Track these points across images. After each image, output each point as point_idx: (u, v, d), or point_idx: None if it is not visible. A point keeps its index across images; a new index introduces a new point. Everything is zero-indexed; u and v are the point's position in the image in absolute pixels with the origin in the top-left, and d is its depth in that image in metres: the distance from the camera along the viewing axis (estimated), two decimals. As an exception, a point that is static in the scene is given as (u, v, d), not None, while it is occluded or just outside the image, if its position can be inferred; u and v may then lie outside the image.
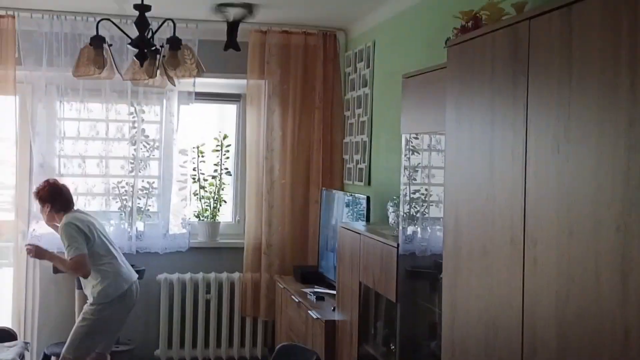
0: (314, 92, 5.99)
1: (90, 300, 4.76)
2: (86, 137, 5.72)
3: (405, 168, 3.82)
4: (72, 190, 5.23)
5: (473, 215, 2.68)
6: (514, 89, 2.34)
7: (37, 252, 4.93)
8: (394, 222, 4.23)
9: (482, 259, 2.59)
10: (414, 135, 3.77)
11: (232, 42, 5.46)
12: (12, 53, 5.47)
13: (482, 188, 2.59)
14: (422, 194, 3.80)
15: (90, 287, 4.75)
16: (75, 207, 4.99)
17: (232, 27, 5.43)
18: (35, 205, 5.14)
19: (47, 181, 4.99)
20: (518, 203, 2.33)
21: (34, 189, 5.07)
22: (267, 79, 5.93)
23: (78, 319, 4.81)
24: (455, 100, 2.84)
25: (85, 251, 4.64)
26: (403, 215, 3.78)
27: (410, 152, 3.82)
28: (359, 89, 5.66)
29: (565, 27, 2.06)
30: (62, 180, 5.19)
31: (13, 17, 5.45)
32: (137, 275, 4.99)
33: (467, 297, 2.72)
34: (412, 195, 3.82)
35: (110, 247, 4.88)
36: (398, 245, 3.62)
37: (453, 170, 2.88)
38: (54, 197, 4.87)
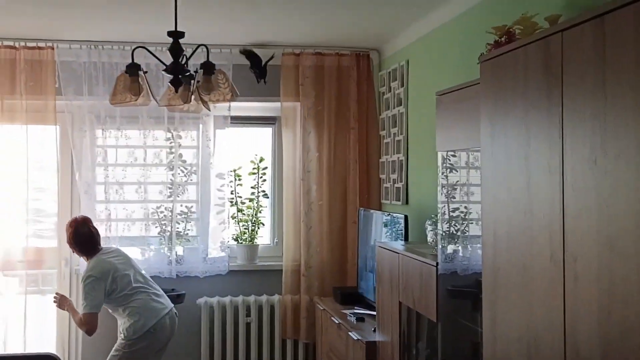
0: (348, 112, 5.99)
1: (120, 335, 4.84)
2: (125, 164, 5.79)
3: (442, 186, 3.79)
4: (112, 216, 5.32)
5: (511, 231, 2.64)
6: (548, 103, 2.32)
7: (60, 302, 5.13)
8: (433, 241, 4.19)
9: (522, 276, 2.55)
10: (451, 153, 3.74)
11: (261, 75, 5.64)
12: (52, 83, 5.58)
13: (519, 204, 2.56)
14: (461, 212, 3.77)
15: (121, 323, 4.85)
16: (101, 247, 5.06)
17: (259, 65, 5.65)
18: None
19: (71, 223, 5.07)
20: (556, 218, 2.29)
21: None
22: (301, 100, 5.94)
23: (111, 352, 4.89)
24: (489, 115, 2.81)
25: (97, 310, 4.77)
26: (442, 234, 3.75)
27: (448, 169, 3.80)
28: (394, 108, 5.64)
29: (599, 38, 2.04)
30: (101, 206, 5.27)
31: (52, 48, 5.57)
32: (171, 306, 5.00)
33: (508, 315, 2.68)
34: (451, 214, 3.78)
35: (138, 283, 4.91)
36: (437, 263, 3.58)
37: (489, 187, 2.85)
38: (76, 244, 5.01)
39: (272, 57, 5.69)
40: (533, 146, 2.44)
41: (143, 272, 5.12)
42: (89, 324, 4.78)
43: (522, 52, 2.51)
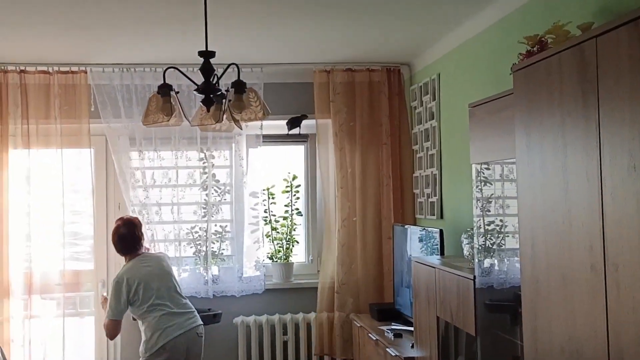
0: (380, 127, 5.97)
1: (141, 349, 4.86)
2: (159, 185, 5.82)
3: (477, 199, 3.75)
4: (148, 237, 5.36)
5: (550, 242, 2.60)
6: (585, 110, 2.28)
7: (103, 303, 5.29)
8: (469, 255, 4.15)
9: (562, 287, 2.51)
10: (485, 166, 3.71)
11: (294, 125, 5.89)
12: (85, 107, 5.65)
13: (557, 213, 2.52)
14: (497, 225, 3.72)
15: (143, 337, 4.88)
16: (142, 252, 5.12)
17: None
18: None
19: (117, 220, 5.20)
20: (596, 227, 2.25)
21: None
22: (333, 117, 5.94)
23: None
24: (524, 125, 2.78)
25: (118, 318, 4.90)
26: (478, 248, 3.71)
27: (482, 182, 3.76)
28: (426, 122, 5.62)
29: (634, 42, 2.01)
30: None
31: (85, 72, 5.64)
32: (192, 326, 4.92)
33: (549, 327, 2.63)
34: (486, 227, 3.74)
35: (159, 300, 4.89)
36: (475, 277, 3.54)
37: (526, 197, 2.81)
38: (114, 242, 5.10)
39: (305, 116, 5.90)
40: (570, 154, 2.41)
41: (175, 284, 5.05)
42: (108, 330, 4.95)
43: (555, 59, 2.48)
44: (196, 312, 5.04)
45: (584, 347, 2.36)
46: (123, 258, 5.11)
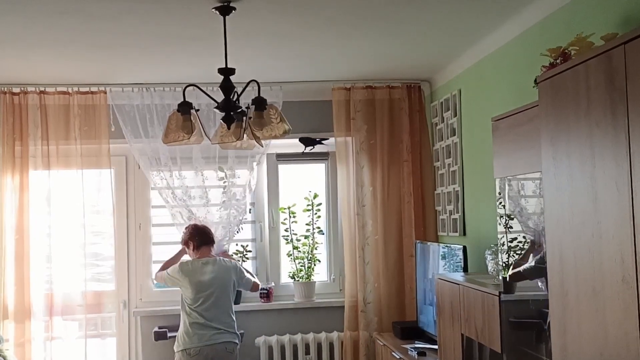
0: (401, 145, 5.94)
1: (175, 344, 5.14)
2: (180, 205, 5.79)
3: (500, 216, 3.71)
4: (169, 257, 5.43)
5: (579, 255, 2.54)
6: (613, 119, 2.24)
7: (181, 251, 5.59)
8: (494, 271, 4.09)
9: (592, 300, 2.45)
10: (508, 182, 3.66)
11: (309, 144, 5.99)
12: (105, 127, 5.65)
13: (586, 226, 2.47)
14: (520, 242, 3.67)
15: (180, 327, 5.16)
16: (213, 255, 5.34)
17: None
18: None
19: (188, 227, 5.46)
20: (627, 238, 2.20)
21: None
22: (353, 135, 5.91)
23: None
24: (550, 137, 2.74)
25: (165, 276, 5.29)
26: (502, 265, 3.66)
27: (505, 199, 3.72)
28: (448, 138, 5.58)
29: (664, 48, 1.97)
30: (157, 248, 5.34)
31: (104, 92, 5.64)
32: (223, 340, 5.03)
33: (579, 342, 2.57)
34: (509, 244, 3.69)
35: (198, 307, 5.02)
36: (500, 293, 3.49)
37: (553, 210, 2.76)
38: (192, 234, 5.37)
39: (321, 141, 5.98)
40: (599, 165, 2.36)
41: (229, 301, 5.20)
42: (158, 278, 5.57)
43: (582, 68, 2.44)
44: (233, 331, 5.12)
45: (617, 363, 2.30)
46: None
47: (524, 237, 3.64)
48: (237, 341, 5.11)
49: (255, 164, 5.89)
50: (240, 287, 5.37)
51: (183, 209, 5.76)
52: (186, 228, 5.43)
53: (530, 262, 3.46)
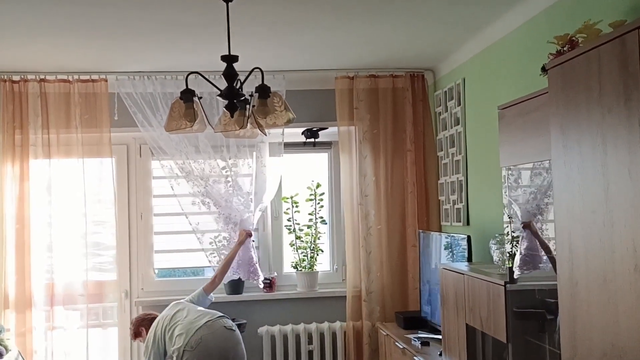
0: (404, 134, 5.90)
1: None
2: (182, 194, 5.75)
3: (505, 206, 3.67)
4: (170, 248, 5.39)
5: (589, 244, 2.51)
6: (627, 105, 2.19)
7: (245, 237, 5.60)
8: (499, 260, 4.06)
9: (603, 289, 2.41)
10: (511, 172, 3.63)
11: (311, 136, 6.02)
12: (106, 116, 5.59)
13: (597, 214, 2.43)
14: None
15: None
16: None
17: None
18: None
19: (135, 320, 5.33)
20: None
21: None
22: (356, 124, 5.86)
23: None
24: (560, 124, 2.69)
25: None
26: (507, 254, 3.63)
27: (510, 187, 3.68)
28: (451, 127, 5.54)
29: (681, 31, 1.92)
30: (159, 237, 5.27)
31: (105, 80, 5.58)
32: (214, 317, 4.97)
33: (589, 331, 2.54)
34: (512, 233, 3.66)
35: (185, 319, 4.93)
36: (506, 282, 3.45)
37: (563, 199, 2.72)
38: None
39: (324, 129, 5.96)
40: (610, 152, 2.32)
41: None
42: None
43: (594, 54, 2.40)
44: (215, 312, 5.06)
45: (628, 353, 2.27)
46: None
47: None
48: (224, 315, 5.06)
49: (256, 153, 5.82)
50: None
51: (184, 198, 5.72)
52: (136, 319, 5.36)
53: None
